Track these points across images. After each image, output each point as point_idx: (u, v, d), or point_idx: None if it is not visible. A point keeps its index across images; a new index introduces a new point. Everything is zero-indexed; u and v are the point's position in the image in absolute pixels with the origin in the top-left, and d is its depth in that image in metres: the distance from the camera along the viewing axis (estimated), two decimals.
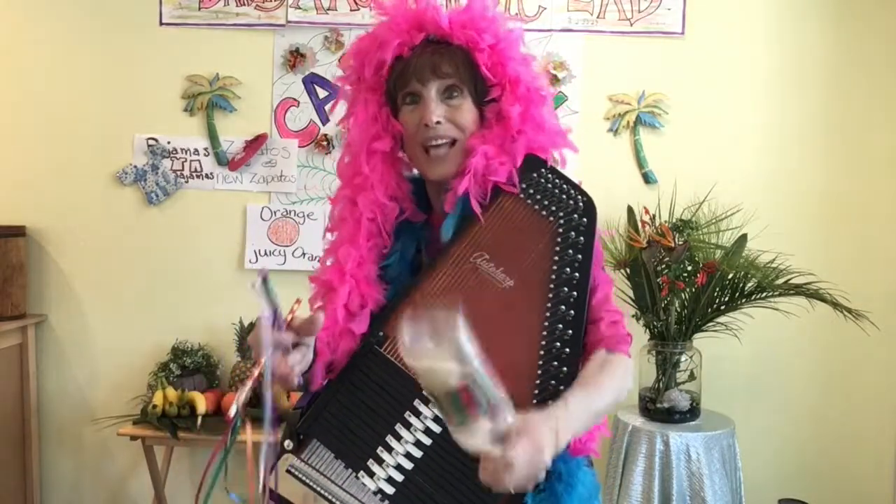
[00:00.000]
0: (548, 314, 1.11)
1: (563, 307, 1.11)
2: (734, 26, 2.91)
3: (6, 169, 3.00)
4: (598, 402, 1.07)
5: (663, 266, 2.57)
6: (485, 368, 0.90)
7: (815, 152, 2.92)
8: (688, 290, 2.57)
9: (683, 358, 2.61)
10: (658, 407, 2.58)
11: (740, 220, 2.73)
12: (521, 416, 0.95)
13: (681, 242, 2.52)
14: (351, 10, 2.94)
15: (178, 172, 2.99)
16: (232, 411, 1.01)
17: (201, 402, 2.69)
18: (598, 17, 2.93)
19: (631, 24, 2.93)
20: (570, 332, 1.11)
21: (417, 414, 1.11)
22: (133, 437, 2.65)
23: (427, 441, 1.10)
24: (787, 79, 2.91)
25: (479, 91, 1.19)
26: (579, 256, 1.13)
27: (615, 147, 2.95)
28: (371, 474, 1.10)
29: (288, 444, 1.15)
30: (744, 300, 2.58)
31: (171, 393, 2.72)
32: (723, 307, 2.61)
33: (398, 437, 1.11)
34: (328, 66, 2.97)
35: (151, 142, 2.99)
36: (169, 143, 2.99)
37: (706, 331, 2.64)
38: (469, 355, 0.87)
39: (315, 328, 1.04)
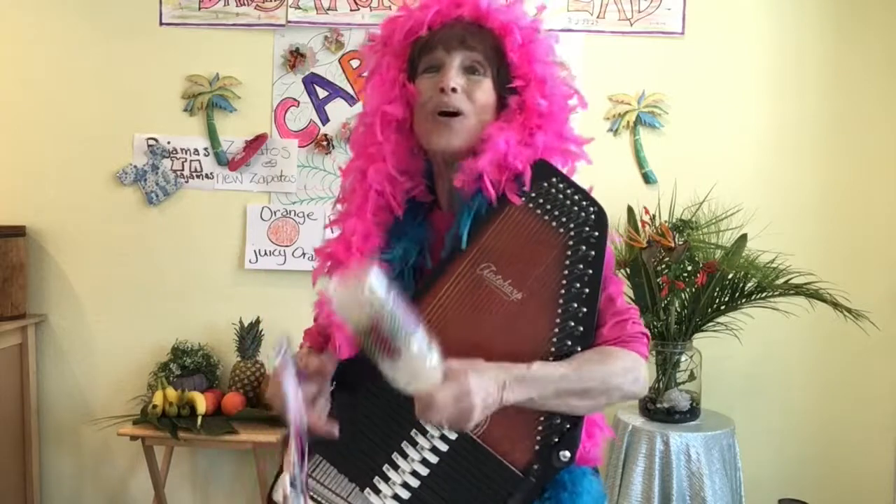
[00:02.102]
0: (556, 330, 1.08)
1: (572, 323, 1.08)
2: (734, 26, 2.91)
3: (6, 169, 3.00)
4: (571, 374, 1.04)
5: (663, 266, 2.57)
6: (401, 309, 0.92)
7: (815, 152, 2.92)
8: (688, 290, 2.57)
9: (683, 358, 2.61)
10: (658, 407, 2.58)
11: (740, 220, 2.73)
12: (467, 362, 0.99)
13: (681, 242, 2.52)
14: (351, 10, 2.94)
15: (178, 172, 2.99)
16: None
17: (201, 402, 2.69)
18: (598, 17, 2.93)
19: (631, 24, 2.92)
20: (579, 349, 1.09)
21: (424, 432, 1.09)
22: (133, 437, 2.65)
23: (434, 459, 1.08)
24: (787, 79, 2.91)
25: (502, 76, 1.16)
26: (590, 271, 1.08)
27: (615, 147, 2.95)
28: (377, 491, 1.09)
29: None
30: (744, 300, 2.58)
31: (171, 393, 2.72)
32: (723, 307, 2.61)
33: (405, 456, 1.09)
34: (328, 66, 2.97)
35: (151, 142, 2.99)
36: (169, 143, 2.99)
37: (706, 331, 2.64)
38: (377, 298, 0.90)
39: (329, 370, 1.05)
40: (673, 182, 2.83)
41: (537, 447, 1.06)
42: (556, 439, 1.06)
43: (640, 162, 2.93)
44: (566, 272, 1.08)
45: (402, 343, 0.93)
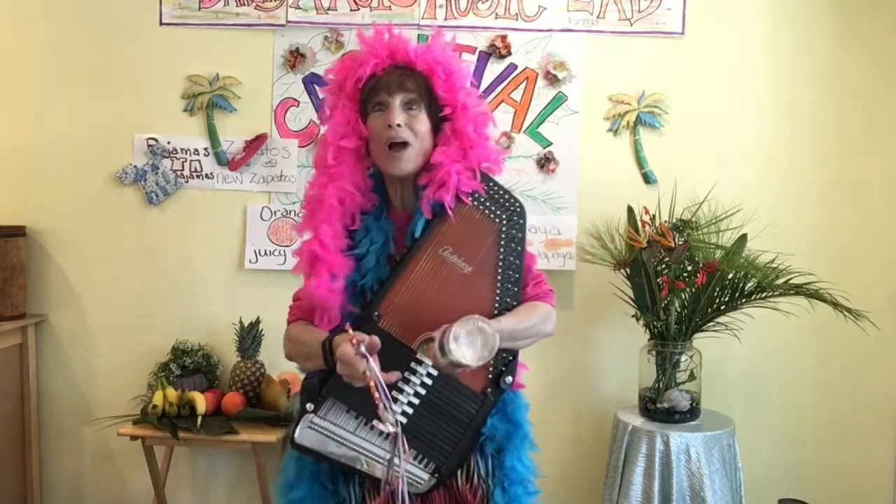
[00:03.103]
0: (498, 290, 1.50)
1: (508, 285, 1.50)
2: (734, 26, 2.91)
3: (6, 169, 3.01)
4: (520, 324, 1.48)
5: (663, 266, 2.57)
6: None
7: (815, 152, 2.92)
8: (688, 290, 2.57)
9: (683, 358, 2.61)
10: (658, 407, 2.58)
11: (740, 220, 2.73)
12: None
13: (681, 242, 2.52)
14: (351, 10, 2.94)
15: (178, 172, 2.99)
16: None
17: (201, 402, 2.69)
18: (598, 17, 2.93)
19: (631, 24, 2.93)
20: (515, 304, 1.52)
21: (414, 372, 1.46)
22: (133, 437, 2.65)
23: (423, 391, 1.46)
24: (786, 78, 2.91)
25: (433, 108, 1.52)
26: (518, 247, 1.51)
27: (615, 147, 2.95)
28: (382, 421, 1.35)
29: (309, 406, 1.45)
30: (744, 300, 2.58)
31: (171, 393, 2.72)
32: (723, 307, 2.61)
33: (401, 391, 1.44)
34: (328, 66, 2.96)
35: (151, 142, 2.99)
36: (169, 143, 2.99)
37: (706, 331, 2.64)
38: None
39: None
40: (673, 182, 2.83)
41: (490, 375, 1.49)
42: (503, 368, 1.50)
43: (640, 162, 2.93)
44: (502, 249, 1.50)
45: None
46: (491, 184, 1.52)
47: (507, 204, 1.51)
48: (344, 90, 1.53)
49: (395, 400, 1.43)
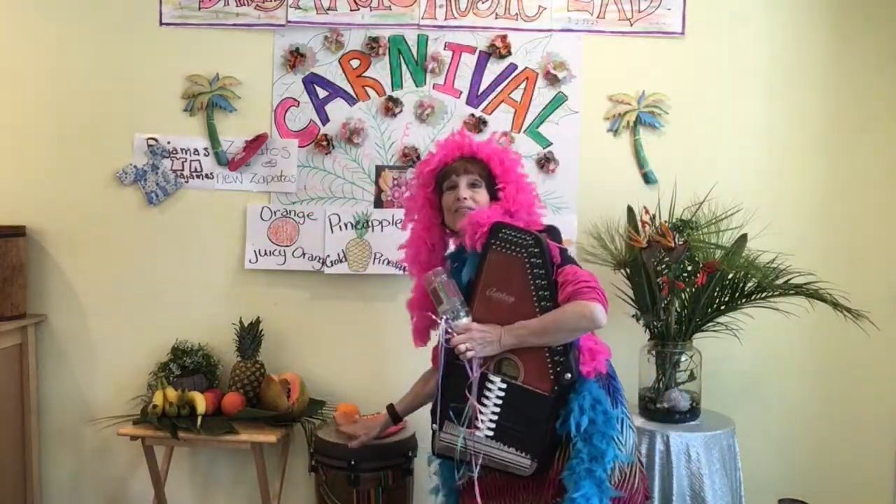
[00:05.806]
0: (537, 306, 1.87)
1: (544, 302, 1.87)
2: (734, 26, 2.91)
3: (6, 169, 3.01)
4: (537, 325, 1.85)
5: (663, 266, 2.57)
6: (454, 288, 1.94)
7: (815, 152, 2.92)
8: (688, 290, 2.57)
9: (683, 358, 2.61)
10: (658, 407, 2.58)
11: (740, 220, 2.72)
12: (484, 323, 1.90)
13: (681, 242, 2.51)
14: (351, 10, 2.93)
15: (178, 172, 2.99)
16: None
17: (201, 402, 2.69)
18: (598, 17, 2.93)
19: (631, 24, 2.93)
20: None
21: (490, 388, 1.87)
22: (133, 437, 2.65)
23: (501, 402, 1.85)
24: (787, 79, 2.91)
25: (491, 186, 2.04)
26: (541, 270, 1.88)
27: (615, 147, 2.95)
28: (477, 428, 1.85)
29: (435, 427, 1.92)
30: (744, 300, 2.58)
31: (171, 393, 2.72)
32: (723, 307, 2.61)
33: (485, 404, 1.86)
34: (328, 66, 2.97)
35: (151, 142, 2.99)
36: (169, 143, 2.99)
37: (706, 331, 2.64)
38: (441, 286, 1.94)
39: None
40: (673, 182, 2.83)
41: (552, 376, 1.84)
42: (559, 368, 1.84)
43: (640, 162, 2.93)
44: (530, 277, 1.88)
45: (450, 303, 1.92)
46: (505, 230, 1.90)
47: (522, 242, 1.88)
48: (420, 178, 2.12)
49: (484, 406, 1.87)
